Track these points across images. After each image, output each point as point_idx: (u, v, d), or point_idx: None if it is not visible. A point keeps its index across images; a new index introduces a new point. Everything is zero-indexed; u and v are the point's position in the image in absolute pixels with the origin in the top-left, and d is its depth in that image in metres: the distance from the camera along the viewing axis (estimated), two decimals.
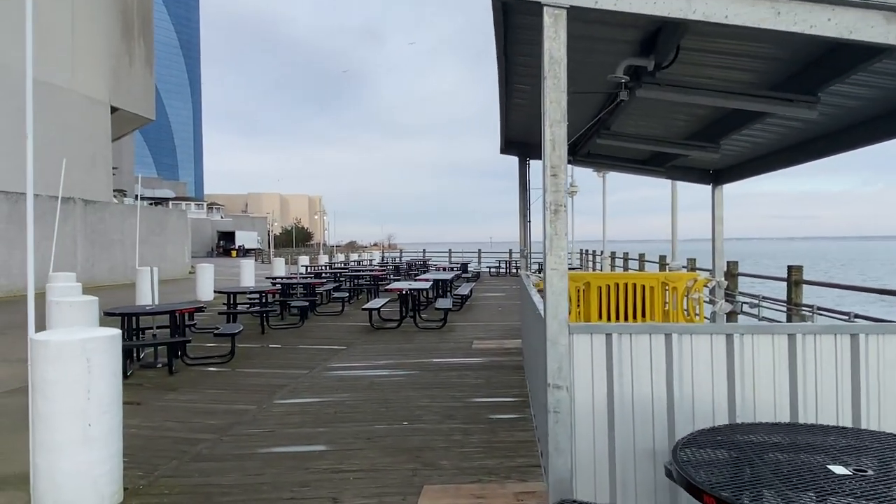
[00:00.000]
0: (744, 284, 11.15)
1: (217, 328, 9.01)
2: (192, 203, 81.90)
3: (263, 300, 11.81)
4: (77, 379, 3.59)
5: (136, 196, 18.49)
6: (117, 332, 3.91)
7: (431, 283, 13.18)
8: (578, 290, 9.60)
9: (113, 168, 56.28)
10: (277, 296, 14.31)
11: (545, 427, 3.55)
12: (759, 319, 9.12)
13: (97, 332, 3.76)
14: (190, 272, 32.16)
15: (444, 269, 22.04)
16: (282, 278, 15.70)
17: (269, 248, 56.64)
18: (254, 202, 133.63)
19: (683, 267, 11.68)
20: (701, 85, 4.63)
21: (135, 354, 8.35)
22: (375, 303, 11.97)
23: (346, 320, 12.82)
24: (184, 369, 7.99)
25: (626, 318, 9.54)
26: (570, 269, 18.75)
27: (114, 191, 53.68)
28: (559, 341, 3.44)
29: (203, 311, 11.41)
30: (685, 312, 9.71)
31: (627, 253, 18.73)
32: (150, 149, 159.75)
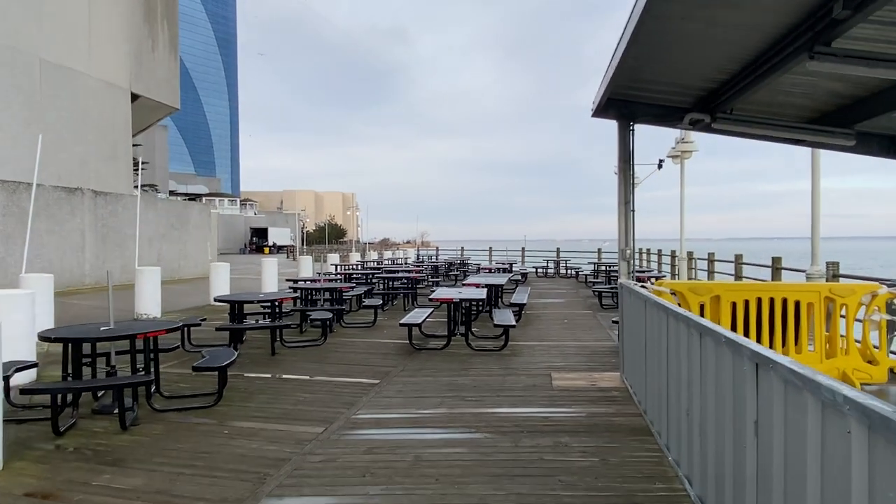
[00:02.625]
0: None
1: (203, 354, 6.56)
2: (226, 199, 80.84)
3: (277, 310, 9.36)
4: None
5: (137, 185, 16.44)
6: None
7: (485, 289, 10.57)
8: (702, 307, 6.90)
9: (144, 162, 55.26)
10: (298, 302, 11.91)
11: None
12: None
13: None
14: None
15: (492, 270, 19.40)
16: (304, 281, 13.30)
17: (298, 244, 54.84)
18: (288, 199, 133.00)
19: (824, 276, 8.81)
20: None
21: (81, 396, 5.97)
22: (415, 316, 9.42)
23: (380, 335, 10.31)
24: (148, 419, 5.56)
25: (770, 346, 6.78)
26: (646, 273, 15.83)
27: (144, 186, 52.69)
28: None
29: (200, 326, 9.03)
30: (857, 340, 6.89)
31: (713, 253, 15.80)
32: (188, 145, 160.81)
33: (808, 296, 6.80)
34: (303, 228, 70.02)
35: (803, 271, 8.97)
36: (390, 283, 15.44)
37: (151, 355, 6.24)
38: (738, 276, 13.47)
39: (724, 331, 3.10)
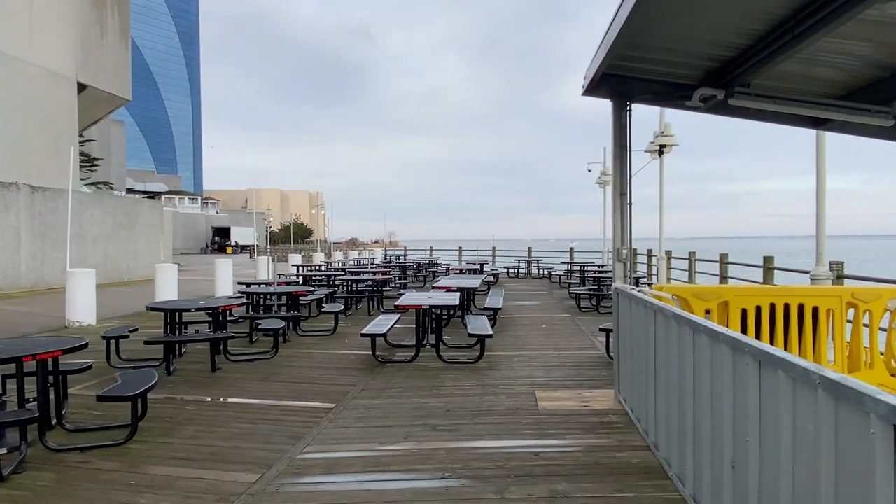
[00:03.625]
0: None
1: (117, 377, 5.39)
2: (186, 197, 78.25)
3: (220, 319, 8.21)
4: None
5: (70, 178, 15.05)
6: None
7: (457, 293, 9.58)
8: (707, 314, 6.01)
9: (98, 159, 52.68)
10: (250, 309, 10.74)
11: None
12: None
13: None
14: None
15: (463, 271, 18.41)
16: (258, 284, 12.12)
17: (259, 244, 53.17)
18: (254, 198, 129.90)
19: (829, 277, 8.04)
20: None
21: None
22: (380, 324, 8.38)
23: (340, 345, 9.22)
24: (40, 462, 4.41)
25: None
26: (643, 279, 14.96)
27: (98, 183, 50.32)
28: None
29: (129, 337, 7.84)
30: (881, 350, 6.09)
31: (694, 252, 15.09)
32: (149, 143, 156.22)
33: (828, 301, 5.97)
34: (268, 228, 68.04)
35: (807, 272, 8.20)
36: (354, 285, 14.34)
37: (51, 380, 5.10)
38: (723, 277, 12.75)
39: (822, 369, 2.15)
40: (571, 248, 28.66)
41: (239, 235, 71.86)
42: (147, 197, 61.05)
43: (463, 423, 5.27)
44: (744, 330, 6.06)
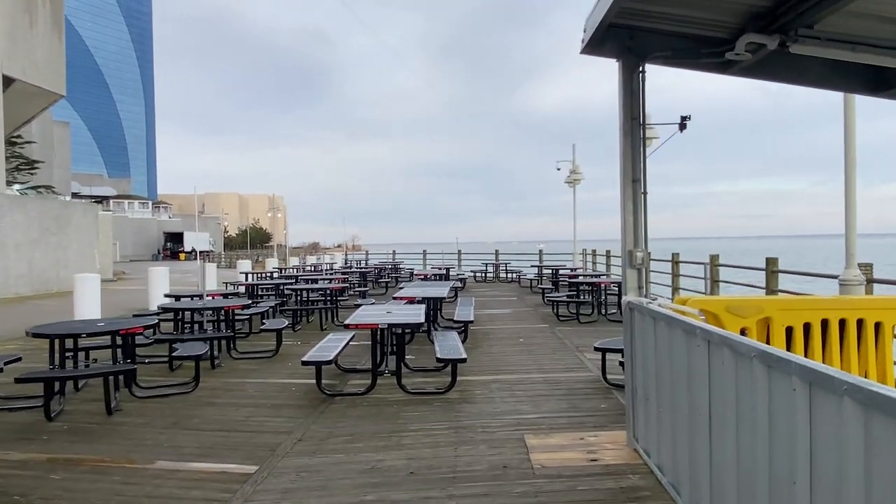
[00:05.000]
0: None
1: None
2: (136, 201, 74.71)
3: (125, 343, 6.55)
4: None
5: None
6: None
7: (423, 305, 8.10)
8: (743, 332, 4.69)
9: (37, 162, 49.45)
10: (175, 327, 9.07)
11: None
12: None
13: None
14: (112, 279, 26.40)
15: (428, 276, 16.92)
16: (190, 297, 10.41)
17: (214, 250, 50.78)
18: (211, 202, 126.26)
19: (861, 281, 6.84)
20: None
21: None
22: (327, 346, 6.84)
23: (280, 371, 7.64)
24: None
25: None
26: (602, 278, 13.75)
27: (39, 187, 47.15)
28: None
29: (2, 371, 6.13)
30: None
31: (678, 254, 13.93)
32: (99, 146, 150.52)
33: (894, 315, 4.72)
34: (224, 232, 65.24)
35: (835, 277, 7.00)
36: (305, 295, 12.72)
37: None
38: (714, 281, 11.60)
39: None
40: (540, 251, 27.50)
41: (192, 241, 68.89)
42: (95, 201, 57.82)
43: (432, 497, 3.79)
44: (789, 351, 4.78)
